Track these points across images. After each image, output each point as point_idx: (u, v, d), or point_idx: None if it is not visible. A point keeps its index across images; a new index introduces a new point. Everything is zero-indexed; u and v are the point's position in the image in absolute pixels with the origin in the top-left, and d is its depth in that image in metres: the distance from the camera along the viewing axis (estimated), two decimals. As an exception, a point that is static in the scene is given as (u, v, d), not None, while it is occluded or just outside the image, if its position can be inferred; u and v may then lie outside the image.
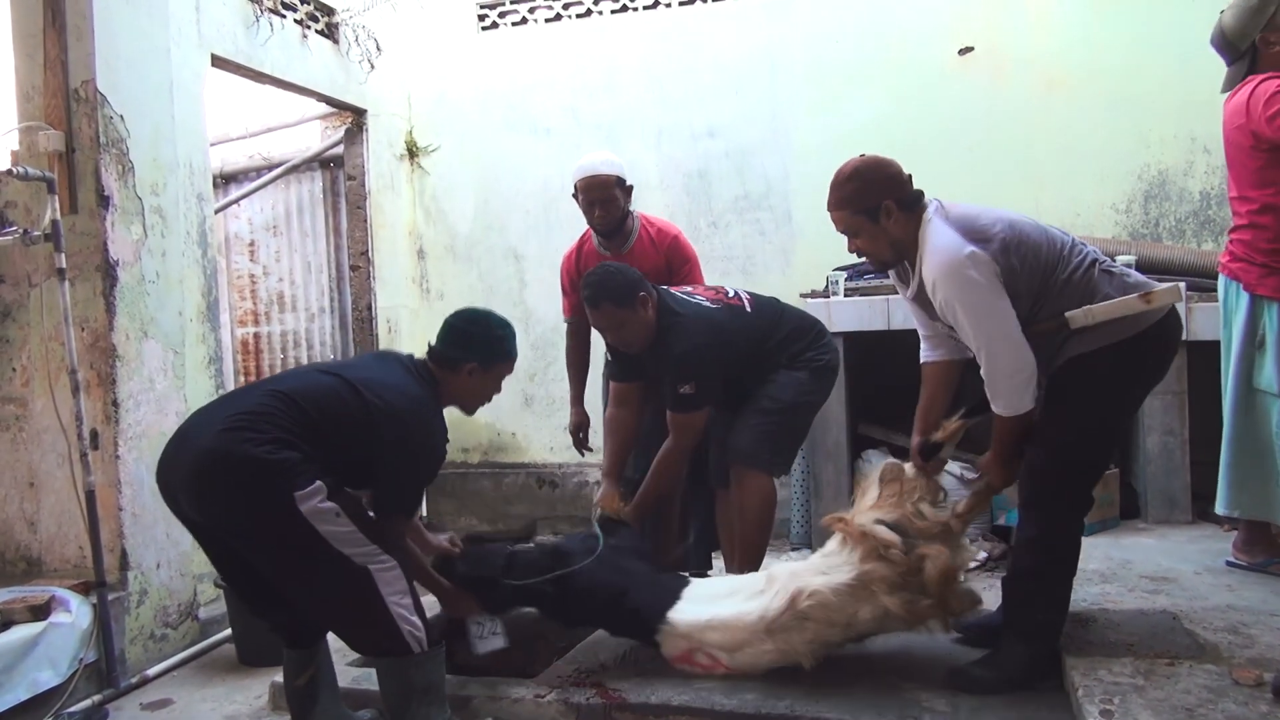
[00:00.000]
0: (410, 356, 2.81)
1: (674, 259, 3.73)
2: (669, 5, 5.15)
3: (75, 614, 3.12)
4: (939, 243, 2.50)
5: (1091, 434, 2.61)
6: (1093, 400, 2.57)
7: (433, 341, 2.80)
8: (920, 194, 2.65)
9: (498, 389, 2.88)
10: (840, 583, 2.63)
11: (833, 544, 2.79)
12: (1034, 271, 2.52)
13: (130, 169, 3.41)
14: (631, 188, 3.67)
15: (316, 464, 2.36)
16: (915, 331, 4.15)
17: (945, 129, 4.71)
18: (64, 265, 3.18)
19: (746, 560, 3.30)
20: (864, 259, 2.77)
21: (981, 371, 2.55)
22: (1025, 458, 2.66)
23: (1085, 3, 4.59)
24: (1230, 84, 3.14)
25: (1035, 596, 2.63)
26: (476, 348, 2.75)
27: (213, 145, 5.76)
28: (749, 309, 3.37)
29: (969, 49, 4.71)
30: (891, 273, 2.86)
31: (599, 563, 2.93)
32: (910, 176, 2.66)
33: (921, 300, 2.69)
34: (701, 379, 3.15)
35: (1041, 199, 4.64)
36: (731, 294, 3.42)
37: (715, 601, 2.81)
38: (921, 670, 2.74)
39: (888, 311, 4.23)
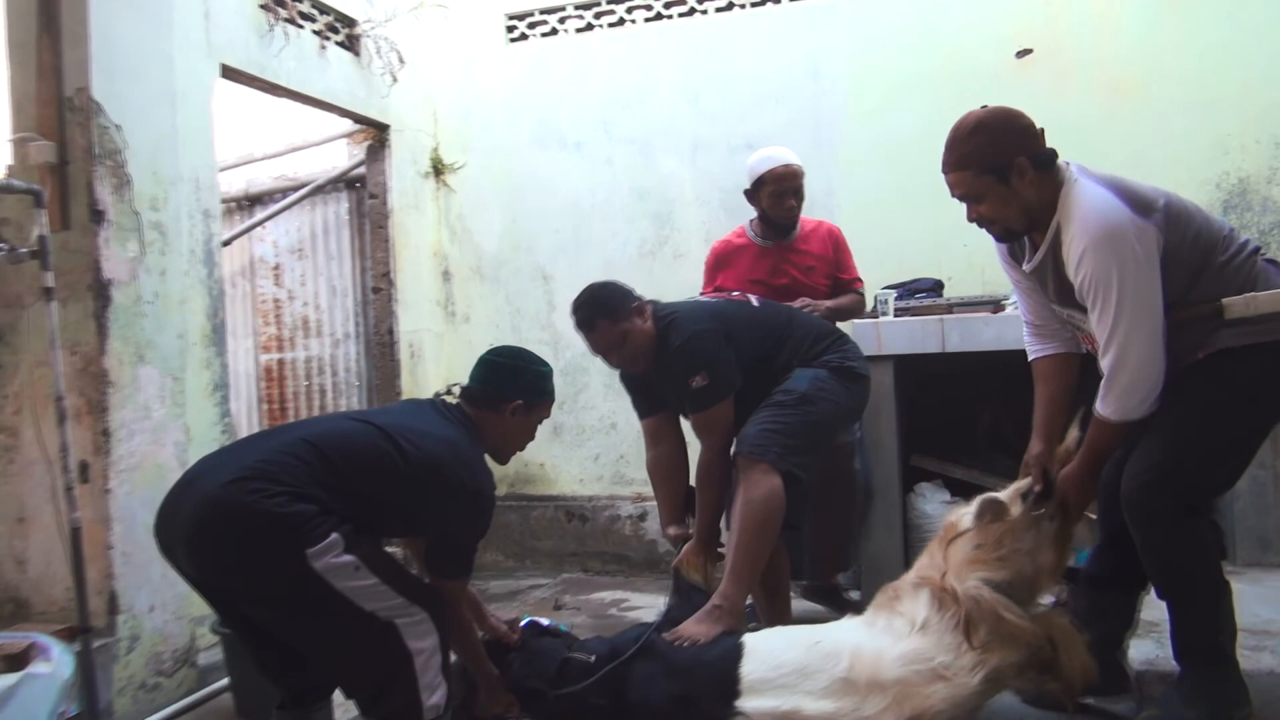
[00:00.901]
0: (441, 400, 2.57)
1: (840, 247, 3.87)
2: (704, 13, 4.90)
3: (56, 663, 2.85)
4: (1096, 205, 2.16)
5: (1219, 437, 2.23)
6: (1229, 401, 2.20)
7: (465, 383, 2.61)
8: (1055, 152, 2.33)
9: (533, 435, 2.67)
10: (967, 693, 2.23)
11: (920, 606, 2.38)
12: (1196, 247, 2.18)
13: (127, 182, 3.21)
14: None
15: (335, 515, 2.12)
16: (972, 354, 3.87)
17: (1002, 137, 4.39)
18: (51, 284, 2.96)
19: (736, 571, 2.78)
20: (984, 227, 2.41)
21: (1103, 361, 2.18)
22: (1127, 468, 2.31)
23: (1153, 1, 4.26)
24: None
25: (1195, 619, 2.28)
26: (522, 386, 2.56)
27: (238, 166, 5.68)
28: (755, 304, 3.14)
29: (1027, 51, 4.39)
30: (1002, 249, 2.49)
31: (658, 669, 2.57)
32: (1043, 130, 2.33)
33: (1041, 275, 2.34)
34: (712, 365, 2.86)
35: (1109, 211, 4.30)
36: (736, 294, 3.23)
37: (787, 684, 2.40)
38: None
39: (942, 333, 3.89)
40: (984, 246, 4.51)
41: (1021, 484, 2.51)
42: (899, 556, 3.94)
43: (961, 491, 4.16)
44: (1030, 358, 2.59)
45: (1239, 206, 4.17)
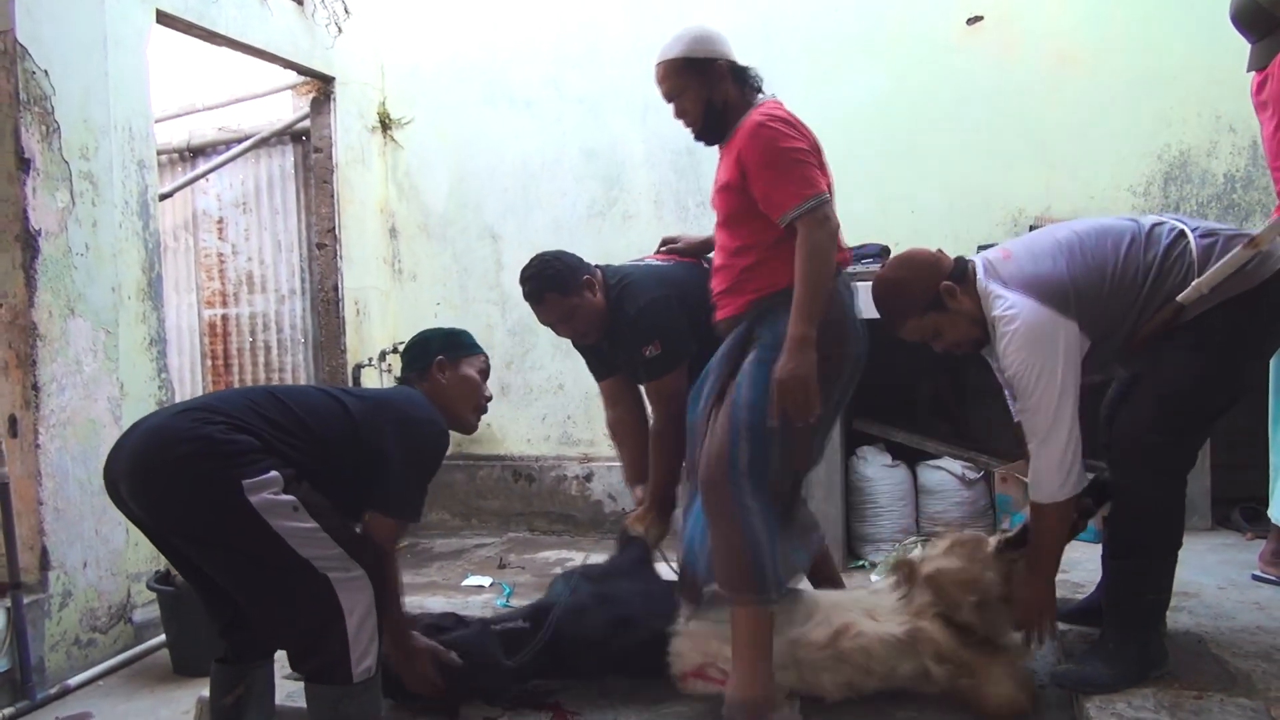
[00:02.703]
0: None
1: (752, 159, 2.52)
2: (658, -30, 4.83)
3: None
4: (1012, 311, 2.30)
5: (1201, 392, 2.33)
6: (1204, 355, 2.29)
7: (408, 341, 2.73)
8: (964, 262, 2.48)
9: (483, 391, 2.67)
10: (889, 634, 2.37)
11: (884, 582, 2.57)
12: (1117, 287, 2.31)
13: (55, 130, 3.11)
14: (722, 64, 2.69)
15: (278, 456, 2.10)
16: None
17: (951, 105, 4.42)
18: (-24, 234, 2.88)
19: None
20: (960, 352, 2.55)
21: (1030, 447, 2.33)
22: (1117, 420, 2.43)
23: (1103, -29, 4.29)
24: (1265, 59, 2.85)
25: (1141, 575, 2.37)
26: (435, 345, 2.64)
27: (180, 117, 5.52)
28: (706, 266, 3.10)
29: (978, 19, 4.40)
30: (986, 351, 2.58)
31: (591, 602, 2.63)
32: (940, 250, 2.53)
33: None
34: (666, 333, 2.86)
35: (1053, 181, 4.35)
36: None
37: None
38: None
39: (886, 298, 3.92)
40: (932, 214, 4.58)
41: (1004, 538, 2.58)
42: (840, 517, 4.01)
43: (902, 455, 4.23)
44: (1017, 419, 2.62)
45: (1179, 179, 4.24)
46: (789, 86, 4.61)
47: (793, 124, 2.53)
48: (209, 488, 2.04)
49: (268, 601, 2.16)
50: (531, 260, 3.00)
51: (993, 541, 2.57)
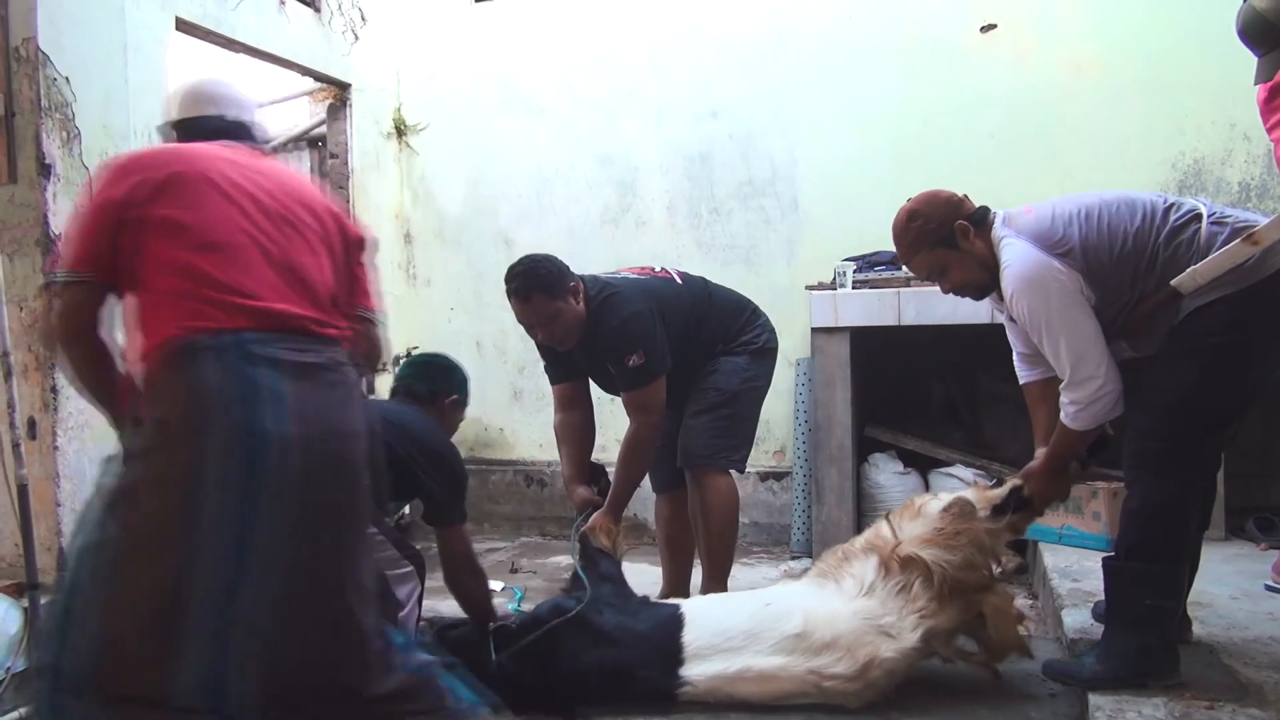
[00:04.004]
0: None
1: None
2: (672, -22, 4.86)
3: (3, 618, 2.86)
4: (1013, 256, 2.39)
5: (1200, 395, 2.32)
6: (1201, 358, 2.30)
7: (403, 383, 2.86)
8: (985, 209, 2.54)
9: (454, 433, 2.88)
10: (910, 648, 2.41)
11: (869, 570, 2.53)
12: (1125, 257, 2.33)
13: (76, 135, 3.16)
14: None
15: None
16: (927, 328, 3.92)
17: (964, 112, 4.42)
18: (-3, 238, 2.93)
19: (715, 568, 3.16)
20: (962, 295, 2.62)
21: (1062, 385, 2.38)
22: (1130, 422, 2.42)
23: (1117, -21, 4.29)
24: (1272, 72, 2.84)
25: (1141, 578, 2.35)
26: (456, 383, 2.86)
27: (196, 122, 5.59)
28: (679, 281, 3.24)
29: (991, 26, 4.40)
30: (993, 295, 2.62)
31: (583, 631, 2.57)
32: (966, 195, 2.58)
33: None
34: (649, 344, 2.95)
35: (1066, 188, 4.29)
36: (659, 269, 3.32)
37: (733, 646, 2.49)
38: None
39: (898, 305, 3.94)
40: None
41: (994, 494, 2.63)
42: (851, 524, 4.02)
43: (914, 462, 4.23)
44: (1021, 382, 2.74)
45: (1193, 187, 4.22)
46: (801, 95, 4.66)
47: None
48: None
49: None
50: (521, 259, 3.05)
51: (980, 504, 2.58)
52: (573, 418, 3.29)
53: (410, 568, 2.29)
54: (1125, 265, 2.33)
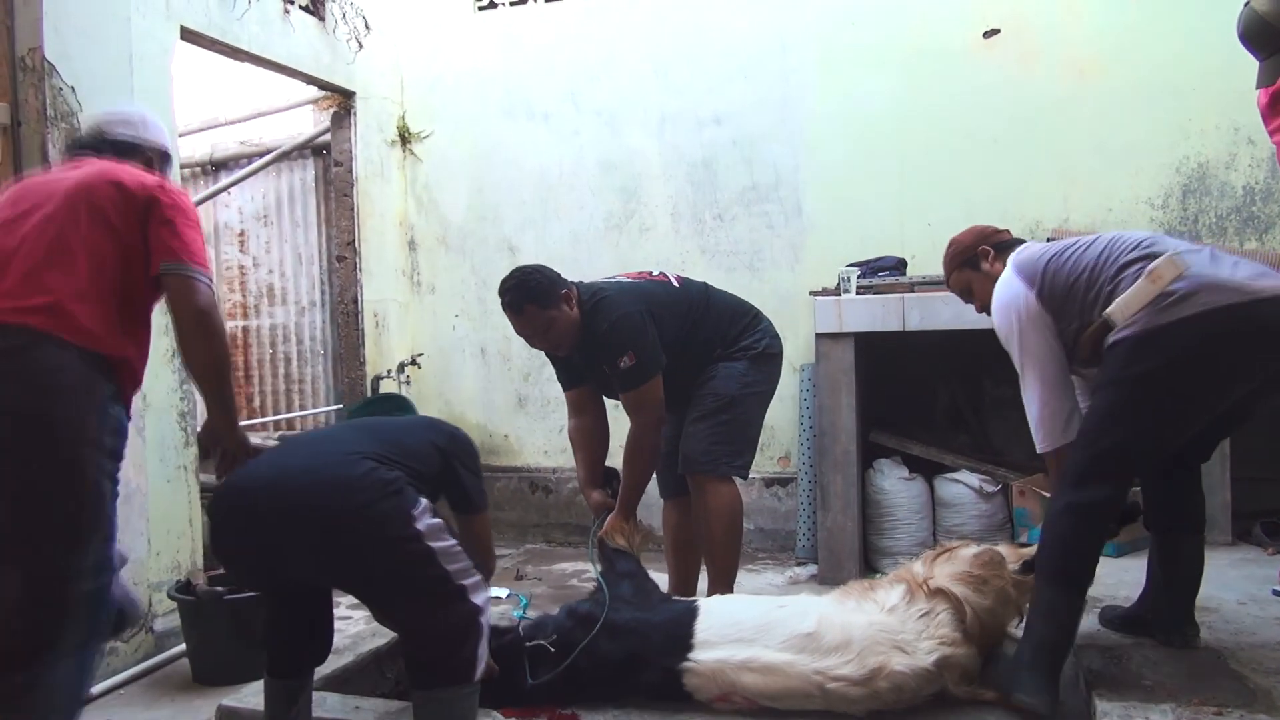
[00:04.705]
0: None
1: None
2: (675, -16, 4.87)
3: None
4: (1000, 281, 2.63)
5: (1101, 428, 2.36)
6: (1105, 392, 2.38)
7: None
8: (1016, 241, 2.78)
9: None
10: (921, 667, 2.39)
11: (894, 595, 2.53)
12: (1076, 287, 2.47)
13: (82, 145, 3.16)
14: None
15: (415, 484, 2.23)
16: (932, 333, 3.92)
17: (968, 117, 4.42)
18: (3, 247, 2.92)
19: (720, 575, 3.15)
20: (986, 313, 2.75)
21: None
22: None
23: (1120, -17, 4.29)
24: (1273, 76, 2.84)
25: (1038, 598, 2.41)
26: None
27: (203, 130, 5.60)
28: (676, 284, 3.24)
29: (995, 31, 4.41)
30: None
31: (603, 634, 2.59)
32: (1008, 231, 2.88)
33: None
34: (639, 344, 2.96)
35: (1071, 194, 4.34)
36: (657, 273, 3.33)
37: (744, 637, 2.49)
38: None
39: (902, 311, 3.93)
40: (949, 226, 4.57)
41: (1026, 551, 2.66)
42: (856, 530, 4.01)
43: (919, 468, 4.22)
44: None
45: (1198, 191, 4.22)
46: (805, 99, 4.67)
47: None
48: (390, 525, 2.13)
49: (424, 619, 2.21)
50: (512, 272, 3.08)
51: (1011, 559, 2.59)
52: (585, 423, 3.29)
53: (479, 576, 2.29)
54: (1076, 295, 2.45)
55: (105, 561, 2.19)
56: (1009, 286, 2.56)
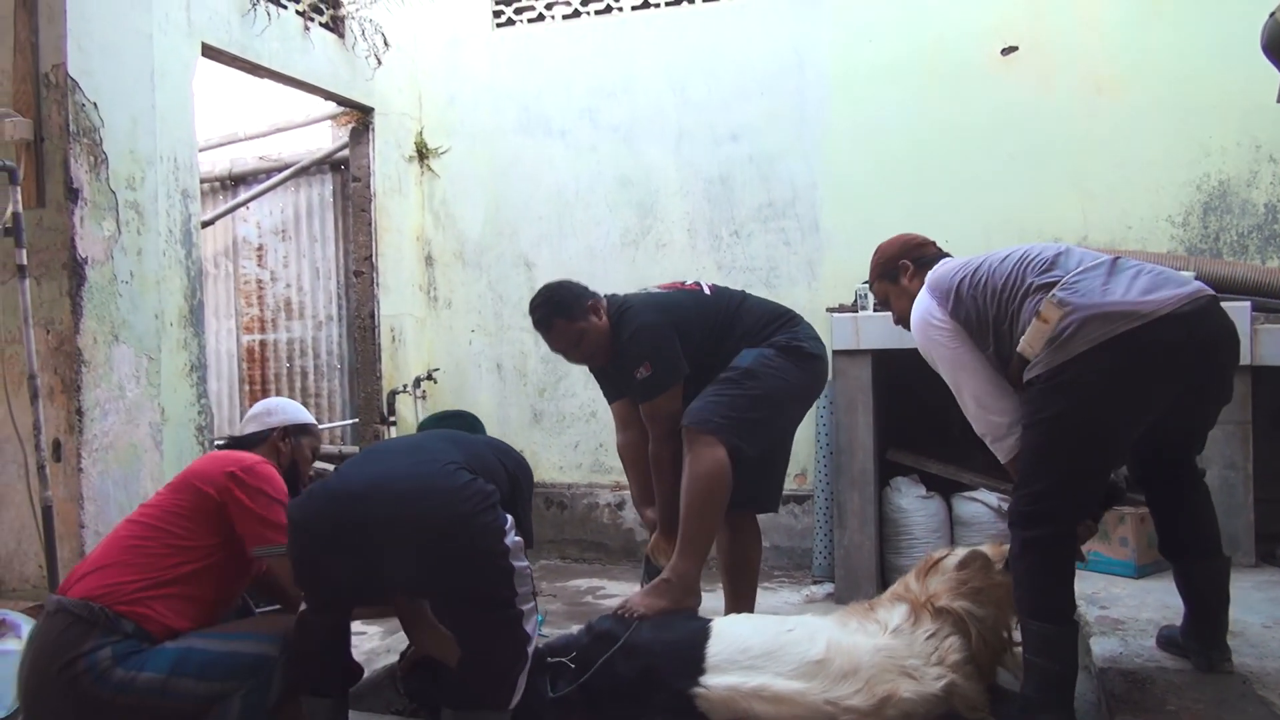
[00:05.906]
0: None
1: None
2: (691, 2, 4.88)
3: (26, 639, 2.86)
4: (915, 301, 2.61)
5: (1029, 461, 2.37)
6: (1030, 430, 2.35)
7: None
8: (938, 256, 2.74)
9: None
10: (929, 693, 2.39)
11: (895, 616, 2.53)
12: (984, 312, 2.46)
13: (103, 160, 3.19)
14: None
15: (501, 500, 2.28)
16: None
17: (986, 134, 4.41)
18: (25, 261, 2.95)
19: (686, 543, 2.86)
20: (901, 327, 2.77)
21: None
22: None
23: (1137, 2, 4.26)
24: None
25: (1028, 637, 2.36)
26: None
27: (222, 146, 5.65)
28: (708, 292, 3.19)
29: (1012, 48, 4.39)
30: None
31: (619, 654, 2.59)
32: (933, 243, 2.82)
33: None
34: (656, 355, 2.93)
35: (1090, 211, 4.31)
36: (690, 282, 3.30)
37: (753, 664, 2.48)
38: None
39: (920, 328, 3.90)
40: (967, 243, 4.56)
41: (1008, 549, 2.60)
42: (873, 548, 3.98)
43: (936, 486, 4.19)
44: None
45: (1219, 209, 4.19)
46: (822, 114, 4.66)
47: None
48: (487, 538, 2.16)
49: (484, 638, 2.22)
50: (539, 291, 3.10)
51: (995, 558, 2.61)
52: (632, 437, 3.19)
53: (533, 603, 2.31)
54: (986, 320, 2.44)
55: None
56: (921, 308, 2.56)
